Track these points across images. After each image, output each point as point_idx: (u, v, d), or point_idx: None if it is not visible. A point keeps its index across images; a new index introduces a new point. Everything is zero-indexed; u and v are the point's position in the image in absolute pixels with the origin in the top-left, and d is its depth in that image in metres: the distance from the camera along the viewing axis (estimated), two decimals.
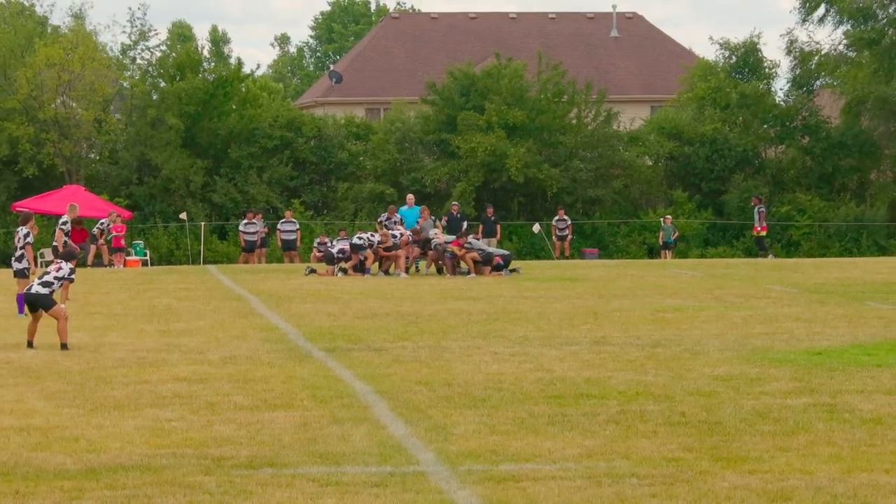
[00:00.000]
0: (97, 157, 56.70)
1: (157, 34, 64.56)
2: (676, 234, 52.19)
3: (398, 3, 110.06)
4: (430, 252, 37.94)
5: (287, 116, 57.34)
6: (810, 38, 59.44)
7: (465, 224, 43.12)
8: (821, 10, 58.27)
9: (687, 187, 57.40)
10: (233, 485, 10.97)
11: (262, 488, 10.84)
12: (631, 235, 55.90)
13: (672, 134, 57.70)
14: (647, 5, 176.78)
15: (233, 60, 65.17)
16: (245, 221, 49.42)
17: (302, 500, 10.48)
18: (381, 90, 70.95)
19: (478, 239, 39.43)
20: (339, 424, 13.53)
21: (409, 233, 38.62)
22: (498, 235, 47.98)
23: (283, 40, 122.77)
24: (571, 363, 18.09)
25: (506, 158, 53.73)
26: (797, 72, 58.88)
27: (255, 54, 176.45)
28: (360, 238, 37.65)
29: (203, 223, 52.82)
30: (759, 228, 50.69)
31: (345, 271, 36.98)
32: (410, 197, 44.34)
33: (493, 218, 47.74)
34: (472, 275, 36.11)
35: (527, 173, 53.83)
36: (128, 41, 59.38)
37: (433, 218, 42.38)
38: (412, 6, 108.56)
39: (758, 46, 59.38)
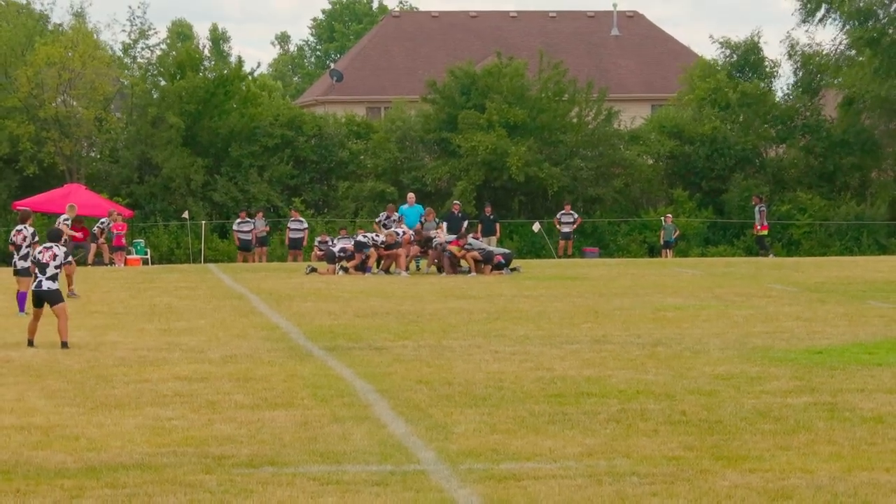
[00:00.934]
0: (98, 156, 56.70)
1: (156, 33, 64.51)
2: (677, 233, 52.17)
3: (400, 3, 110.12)
4: (431, 251, 37.94)
5: (288, 115, 57.34)
6: (811, 39, 59.52)
7: (465, 223, 43.08)
8: (821, 12, 58.21)
9: (687, 186, 57.40)
10: (233, 483, 10.97)
11: (263, 487, 10.84)
12: (631, 234, 55.89)
13: (673, 133, 57.69)
14: (647, 4, 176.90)
15: (233, 59, 65.23)
16: (239, 220, 49.55)
17: (303, 499, 10.48)
18: (381, 89, 70.94)
19: (477, 238, 39.40)
20: (340, 423, 13.53)
21: (411, 231, 38.62)
22: (497, 234, 47.89)
23: (283, 39, 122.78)
24: (572, 362, 18.09)
25: (506, 157, 53.72)
26: (800, 75, 58.86)
27: (254, 53, 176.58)
28: (364, 236, 37.64)
29: (203, 222, 52.83)
30: (759, 227, 50.68)
31: (346, 270, 36.99)
32: (411, 196, 44.34)
33: (491, 217, 47.68)
34: (473, 273, 36.11)
35: (527, 172, 53.83)
36: (128, 40, 59.47)
37: (437, 220, 42.39)
38: (411, 5, 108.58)
39: (758, 46, 59.39)
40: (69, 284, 28.45)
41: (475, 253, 36.65)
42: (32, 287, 20.24)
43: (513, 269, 37.28)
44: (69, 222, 33.39)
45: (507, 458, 11.89)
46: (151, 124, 54.87)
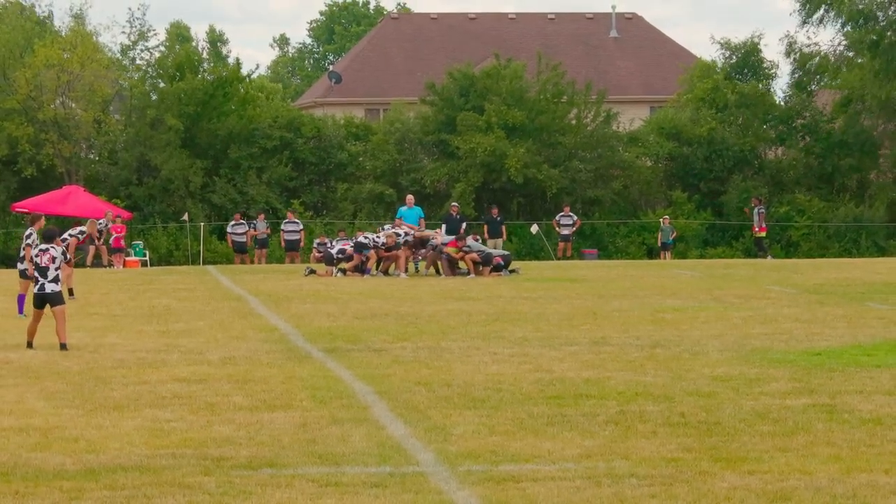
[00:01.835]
0: (96, 158, 56.70)
1: (155, 34, 64.41)
2: (675, 234, 52.22)
3: (398, 4, 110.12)
4: (429, 253, 37.93)
5: (286, 117, 57.35)
6: (810, 39, 59.52)
7: (464, 225, 43.09)
8: (820, 12, 58.22)
9: (686, 188, 57.43)
10: (232, 485, 10.97)
11: (262, 489, 10.84)
12: (630, 236, 55.91)
13: (671, 134, 57.71)
14: (646, 6, 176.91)
15: (232, 61, 65.21)
16: (233, 223, 49.65)
17: (301, 501, 10.48)
18: (380, 91, 70.95)
19: (476, 240, 39.38)
20: (339, 425, 13.53)
21: (412, 232, 38.58)
22: (504, 236, 48.01)
23: (282, 41, 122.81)
24: (571, 364, 18.09)
25: (505, 159, 53.74)
26: (797, 74, 58.88)
27: (253, 55, 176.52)
28: (365, 237, 37.62)
29: (202, 224, 52.83)
30: (758, 229, 50.71)
31: (343, 272, 36.99)
32: (410, 197, 44.35)
33: (498, 218, 47.75)
34: (472, 275, 36.11)
35: (526, 174, 53.84)
36: (127, 42, 59.48)
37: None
38: (405, 5, 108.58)
39: (758, 47, 59.41)
40: (70, 283, 28.50)
41: (474, 255, 36.65)
42: (35, 289, 20.23)
43: (511, 271, 37.28)
44: (83, 236, 33.56)
45: (505, 459, 11.89)
46: (150, 126, 54.86)
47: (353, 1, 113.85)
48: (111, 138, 55.95)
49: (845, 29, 58.04)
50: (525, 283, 33.67)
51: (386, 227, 39.86)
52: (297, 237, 48.75)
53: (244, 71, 58.75)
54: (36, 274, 20.19)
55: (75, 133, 54.58)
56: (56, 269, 20.15)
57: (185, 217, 51.49)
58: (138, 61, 58.90)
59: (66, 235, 30.96)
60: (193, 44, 66.74)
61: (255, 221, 50.22)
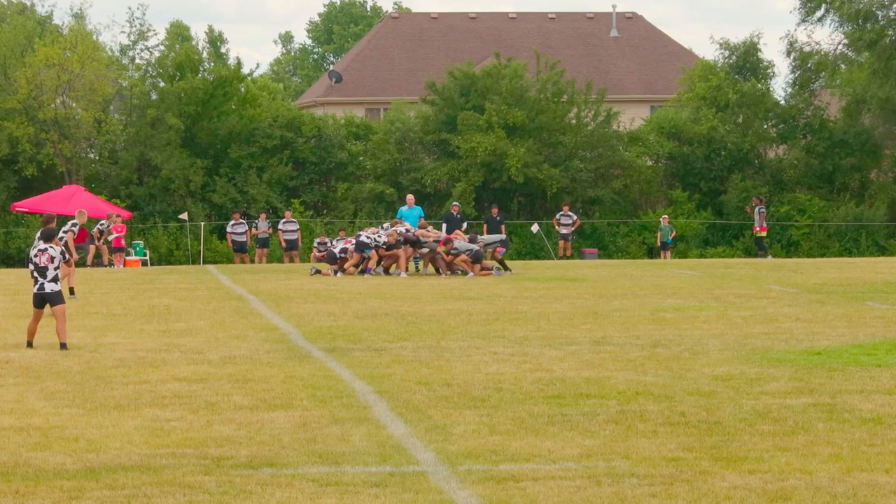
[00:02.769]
0: (97, 157, 56.69)
1: (155, 34, 64.48)
2: (674, 233, 52.23)
3: (395, 4, 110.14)
4: (426, 252, 37.92)
5: (287, 116, 57.33)
6: (810, 38, 59.48)
7: (465, 224, 43.09)
8: (820, 11, 58.19)
9: (686, 187, 57.42)
10: (232, 485, 10.97)
11: (262, 488, 10.84)
12: (631, 235, 55.90)
13: (672, 134, 57.71)
14: (646, 5, 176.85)
15: (232, 60, 65.19)
16: (233, 222, 49.67)
17: (302, 500, 10.48)
18: (380, 90, 70.95)
19: (463, 240, 39.15)
20: (339, 424, 13.53)
21: (413, 229, 38.54)
22: (504, 235, 47.94)
23: (286, 39, 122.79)
24: (571, 363, 18.09)
25: (506, 158, 53.73)
26: (797, 73, 58.87)
27: (251, 54, 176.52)
28: (368, 237, 37.55)
29: (203, 223, 52.83)
30: (758, 228, 50.70)
31: (343, 271, 36.95)
32: (410, 197, 44.32)
33: (498, 218, 47.73)
34: (471, 274, 36.10)
35: (527, 173, 53.83)
36: (127, 41, 59.48)
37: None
38: (403, 5, 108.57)
39: (758, 47, 59.39)
40: (70, 282, 28.52)
41: (464, 255, 36.55)
42: (34, 289, 20.25)
43: (506, 269, 37.33)
44: (76, 227, 33.40)
45: (506, 459, 11.89)
46: (150, 126, 54.86)
47: (350, 1, 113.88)
48: (111, 138, 55.94)
49: (844, 28, 58.02)
50: (525, 283, 33.67)
51: (386, 225, 39.84)
52: (295, 237, 48.81)
53: (244, 70, 58.78)
54: (35, 274, 20.20)
55: (76, 133, 54.57)
56: (55, 268, 20.16)
57: (184, 216, 51.47)
58: (138, 61, 58.97)
59: (60, 234, 30.86)
60: (193, 43, 66.65)
61: (256, 221, 50.23)
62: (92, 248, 44.20)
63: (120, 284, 33.79)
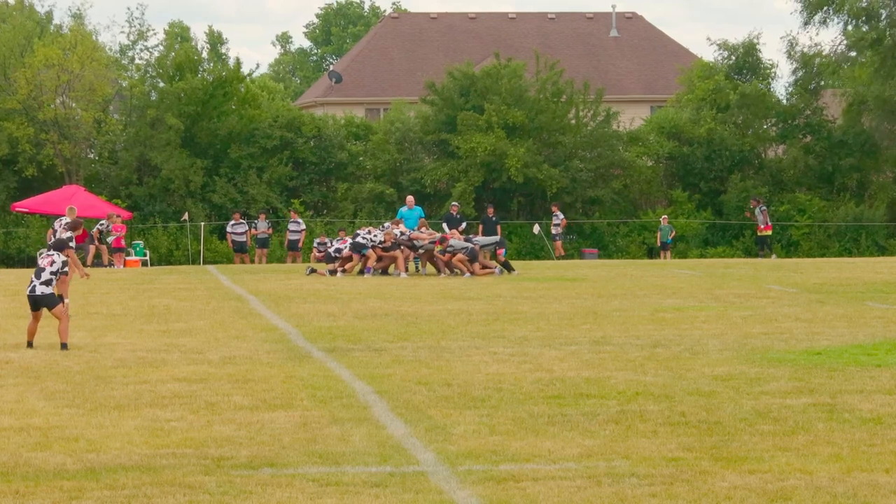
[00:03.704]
0: (97, 158, 56.70)
1: (155, 34, 64.44)
2: (673, 233, 52.25)
3: (393, 4, 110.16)
4: (424, 253, 37.91)
5: (287, 116, 57.33)
6: (811, 39, 59.49)
7: (464, 224, 43.10)
8: (822, 13, 58.11)
9: (686, 187, 57.43)
10: (232, 485, 10.97)
11: (262, 488, 10.84)
12: (630, 235, 55.92)
13: (671, 134, 57.71)
14: (646, 5, 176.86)
15: (231, 60, 65.20)
16: (233, 222, 49.72)
17: (302, 500, 10.48)
18: (380, 90, 70.95)
19: (460, 239, 39.08)
20: (339, 424, 13.53)
21: (409, 232, 38.53)
22: (499, 235, 47.90)
23: (285, 40, 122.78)
24: (571, 363, 18.08)
25: (505, 158, 53.74)
26: (799, 74, 58.85)
27: (251, 55, 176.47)
28: (364, 237, 37.52)
29: (202, 223, 52.84)
30: (763, 227, 50.71)
31: (343, 271, 36.92)
32: (410, 198, 44.35)
33: (493, 218, 47.73)
34: (468, 275, 36.09)
35: (526, 173, 53.83)
36: (126, 41, 59.48)
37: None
38: (401, 6, 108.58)
39: (757, 47, 59.38)
40: (66, 294, 28.46)
41: (460, 255, 36.53)
42: (27, 291, 20.27)
43: (511, 270, 37.29)
44: (73, 243, 33.43)
45: (506, 459, 11.89)
46: (150, 126, 54.87)
47: (348, 2, 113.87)
48: (111, 138, 55.95)
49: (847, 28, 57.95)
50: (525, 283, 33.66)
51: (386, 224, 39.83)
52: (299, 237, 48.90)
53: (244, 71, 58.79)
54: (32, 274, 20.26)
55: (75, 133, 54.58)
56: (52, 272, 20.19)
57: (184, 216, 51.46)
58: (138, 61, 58.99)
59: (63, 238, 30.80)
60: (193, 43, 66.66)
61: (255, 221, 50.25)
62: (92, 249, 44.20)
63: (120, 284, 33.78)
